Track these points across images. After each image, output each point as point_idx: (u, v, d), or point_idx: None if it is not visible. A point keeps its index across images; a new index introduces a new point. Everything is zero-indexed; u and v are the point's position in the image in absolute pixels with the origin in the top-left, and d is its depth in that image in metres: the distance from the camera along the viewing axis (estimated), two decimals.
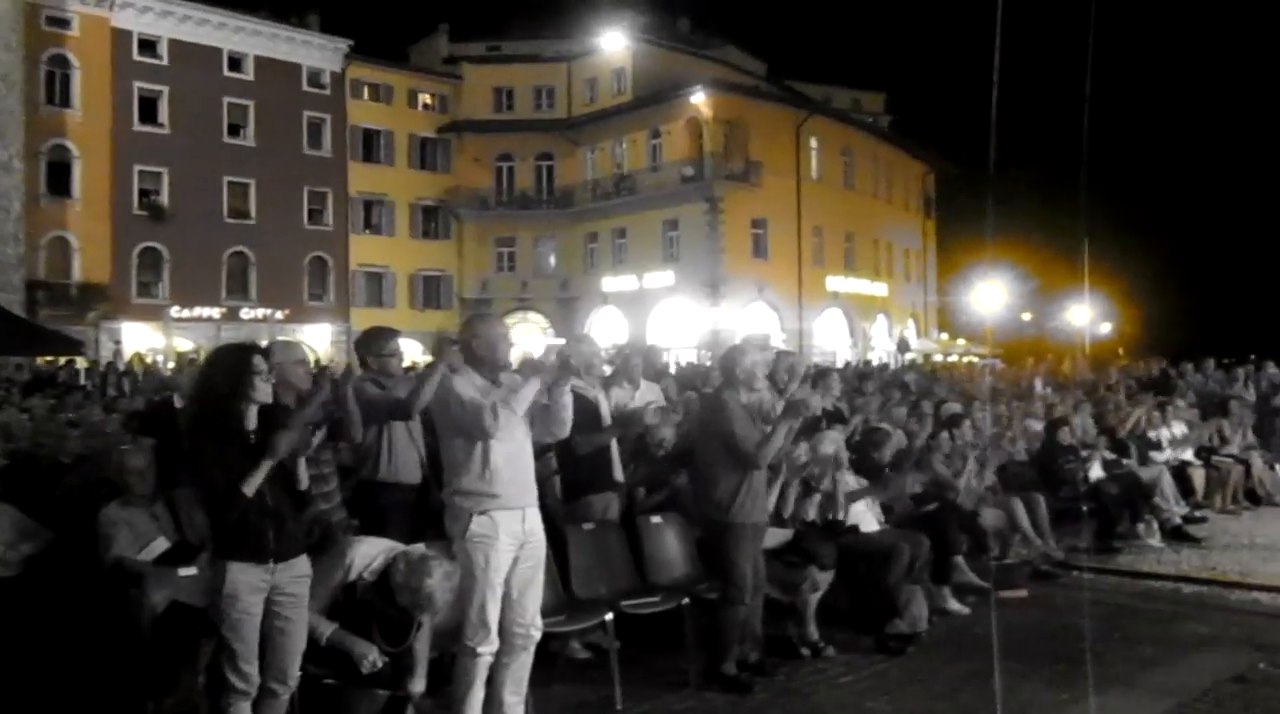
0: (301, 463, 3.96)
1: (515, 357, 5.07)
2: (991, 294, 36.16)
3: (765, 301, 37.01)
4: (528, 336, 37.18)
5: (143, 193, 35.44)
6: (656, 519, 6.26)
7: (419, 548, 4.43)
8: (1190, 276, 54.43)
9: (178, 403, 6.84)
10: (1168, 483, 9.99)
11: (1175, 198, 78.00)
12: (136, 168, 35.09)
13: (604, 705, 5.18)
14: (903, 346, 37.32)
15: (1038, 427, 10.09)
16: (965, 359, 36.75)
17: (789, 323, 36.76)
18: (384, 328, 6.08)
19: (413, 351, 29.37)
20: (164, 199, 35.66)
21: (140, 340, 33.59)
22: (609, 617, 5.32)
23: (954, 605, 6.97)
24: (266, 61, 37.86)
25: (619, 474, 6.40)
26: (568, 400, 4.66)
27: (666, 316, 37.06)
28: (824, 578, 6.16)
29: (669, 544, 6.21)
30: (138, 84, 35.13)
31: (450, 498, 4.53)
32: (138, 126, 35.16)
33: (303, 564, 4.03)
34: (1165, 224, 67.35)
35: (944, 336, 45.50)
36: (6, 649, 3.97)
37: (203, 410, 3.94)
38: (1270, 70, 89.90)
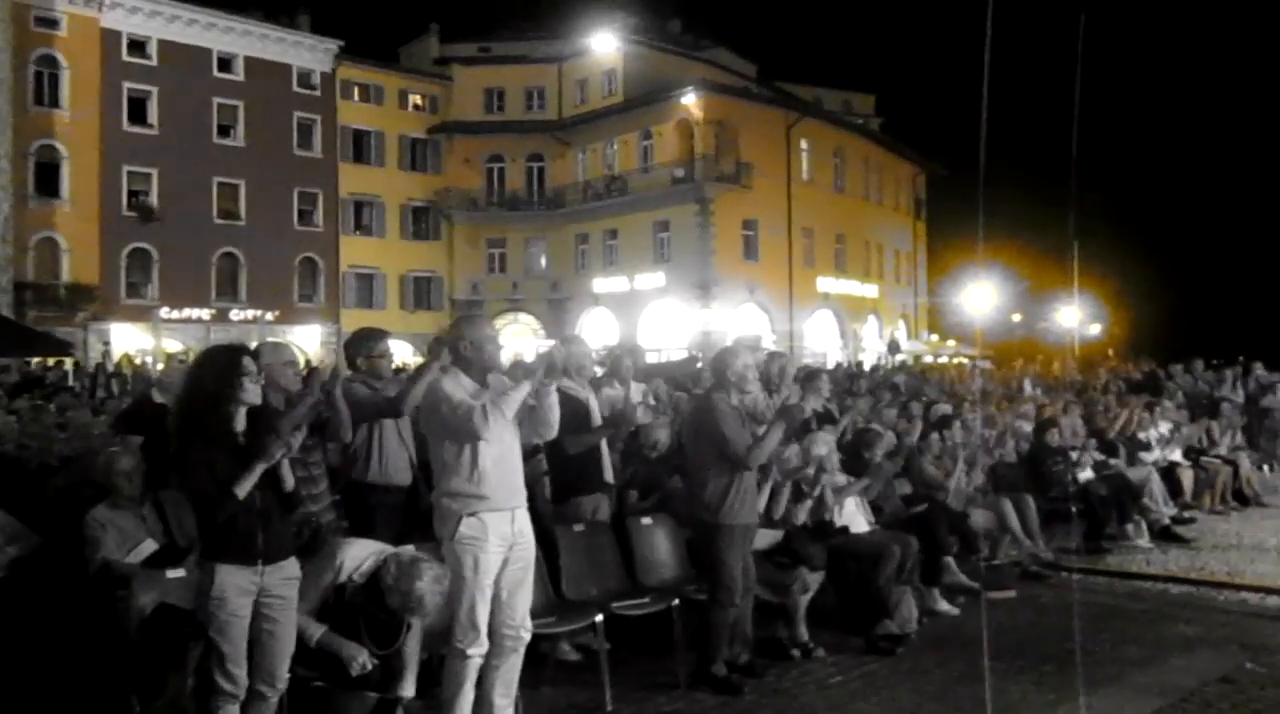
0: (285, 464, 3.93)
1: (506, 358, 5.07)
2: (981, 295, 36.26)
3: (756, 303, 37.04)
4: (518, 338, 37.13)
5: (132, 193, 35.33)
6: (646, 520, 6.27)
7: (409, 550, 4.43)
8: (1179, 278, 54.61)
9: (157, 398, 6.80)
10: (1156, 484, 10.04)
11: (1165, 200, 78.29)
12: (125, 168, 34.99)
13: (594, 707, 5.18)
14: (893, 348, 37.38)
15: (1027, 428, 10.12)
16: (955, 360, 36.81)
17: (780, 324, 36.78)
18: (374, 329, 6.06)
19: (403, 353, 29.37)
20: (153, 200, 35.55)
21: (129, 341, 33.44)
22: (599, 618, 5.31)
23: (943, 606, 6.99)
24: (256, 62, 37.76)
25: (609, 475, 6.40)
26: (554, 401, 4.65)
27: (657, 318, 37.07)
28: (814, 579, 6.17)
29: (659, 545, 6.21)
30: (127, 84, 35.03)
31: (439, 500, 4.52)
32: (127, 127, 35.05)
33: (292, 566, 4.02)
34: (1155, 226, 67.67)
35: (934, 338, 45.56)
36: None
37: (191, 412, 3.91)
38: (1258, 73, 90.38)
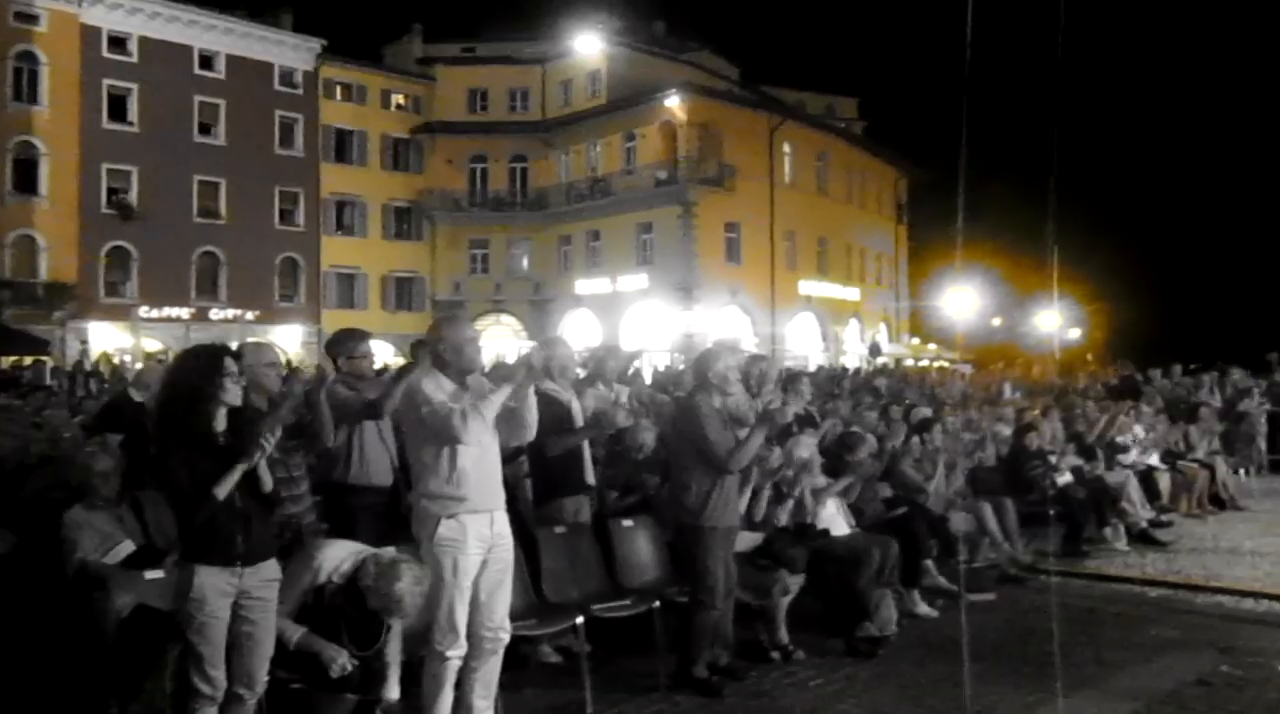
0: (264, 465, 3.90)
1: (487, 359, 5.06)
2: (962, 299, 36.43)
3: (738, 305, 37.12)
4: (500, 339, 37.08)
5: (111, 191, 35.05)
6: (628, 522, 6.26)
7: (389, 551, 4.41)
8: (1159, 284, 55.01)
9: (135, 396, 6.76)
10: (1134, 488, 10.10)
11: (1145, 205, 78.91)
12: (105, 166, 34.72)
13: (574, 709, 5.17)
14: (874, 351, 37.52)
15: (1007, 432, 10.16)
16: (936, 364, 37.00)
17: (762, 327, 36.87)
18: (355, 330, 6.05)
19: (384, 354, 29.26)
20: (133, 198, 35.29)
21: (108, 340, 33.21)
22: (580, 620, 5.31)
23: (923, 609, 7.02)
24: (238, 60, 37.55)
25: (590, 476, 6.39)
26: (532, 403, 4.64)
27: (640, 319, 37.07)
28: (794, 581, 6.18)
29: (640, 547, 6.21)
30: (107, 81, 34.76)
31: (418, 501, 4.51)
32: (106, 124, 34.79)
33: (271, 568, 3.99)
34: (1135, 231, 68.07)
35: (915, 341, 45.78)
36: None
37: (171, 412, 3.88)
38: (1238, 77, 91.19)
